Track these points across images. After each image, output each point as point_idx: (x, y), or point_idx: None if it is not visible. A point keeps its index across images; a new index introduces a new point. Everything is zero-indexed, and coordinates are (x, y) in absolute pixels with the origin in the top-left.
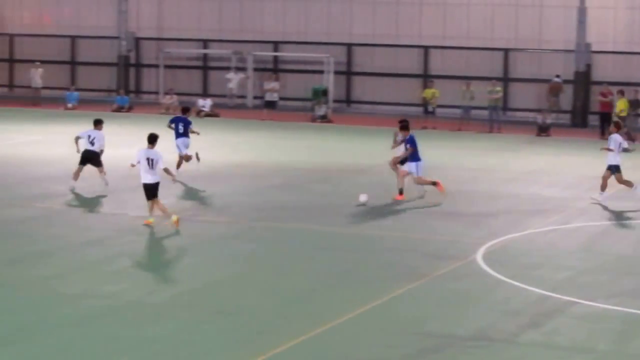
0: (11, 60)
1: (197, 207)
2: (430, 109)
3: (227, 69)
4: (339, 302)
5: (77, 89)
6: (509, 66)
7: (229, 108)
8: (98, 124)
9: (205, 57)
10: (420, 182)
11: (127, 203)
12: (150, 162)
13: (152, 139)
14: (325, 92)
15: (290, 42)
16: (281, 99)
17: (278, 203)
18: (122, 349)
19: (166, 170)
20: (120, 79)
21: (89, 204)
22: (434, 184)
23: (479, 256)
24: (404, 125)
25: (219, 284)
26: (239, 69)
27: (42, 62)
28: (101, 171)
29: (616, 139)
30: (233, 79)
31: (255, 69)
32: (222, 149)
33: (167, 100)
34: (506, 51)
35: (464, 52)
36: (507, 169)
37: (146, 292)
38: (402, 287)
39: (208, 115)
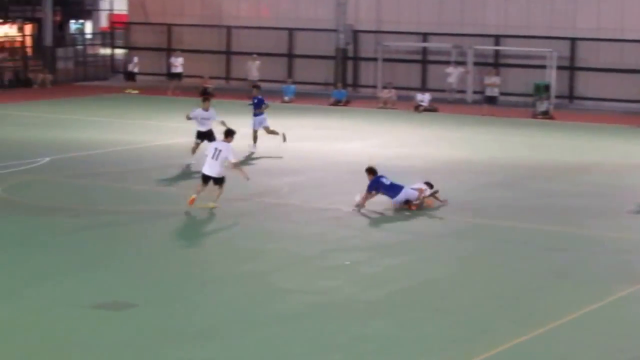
0: (228, 53)
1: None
2: None
3: (447, 62)
4: (558, 303)
5: (294, 82)
6: None
7: (447, 103)
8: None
9: (424, 51)
10: None
11: (346, 196)
12: (216, 154)
13: (228, 134)
14: (547, 88)
15: (512, 36)
16: (501, 94)
17: (496, 201)
18: (334, 346)
19: (236, 166)
20: (338, 72)
21: (302, 198)
22: None
23: None
24: None
25: (435, 282)
26: (459, 63)
27: (259, 54)
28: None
29: None
30: (452, 73)
31: (476, 63)
32: (440, 144)
33: (385, 94)
34: None
35: None
36: None
37: (361, 289)
38: (624, 289)
39: (426, 110)
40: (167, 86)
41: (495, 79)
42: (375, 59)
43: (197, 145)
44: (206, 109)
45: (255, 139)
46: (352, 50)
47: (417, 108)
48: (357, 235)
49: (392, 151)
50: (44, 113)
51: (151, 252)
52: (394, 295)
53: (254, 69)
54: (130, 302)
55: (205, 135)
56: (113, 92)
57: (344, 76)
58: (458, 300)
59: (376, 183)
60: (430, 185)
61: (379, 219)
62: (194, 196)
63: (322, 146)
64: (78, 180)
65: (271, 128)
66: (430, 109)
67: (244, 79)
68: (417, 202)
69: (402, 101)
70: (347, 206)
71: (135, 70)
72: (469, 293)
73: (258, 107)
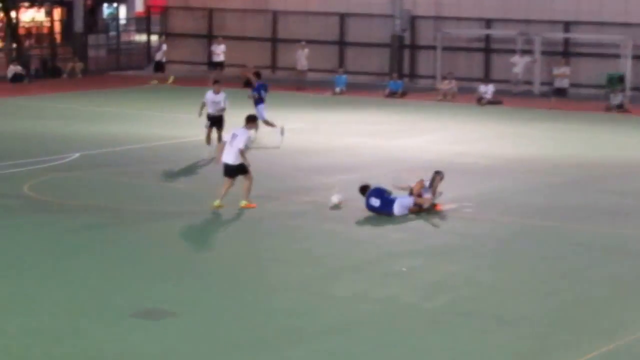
0: (274, 40)
1: (475, 204)
2: None
3: (512, 51)
4: (633, 315)
5: (346, 72)
6: None
7: (513, 95)
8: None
9: (487, 39)
10: None
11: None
12: (232, 139)
13: (249, 120)
14: (621, 79)
15: (583, 23)
16: (572, 85)
17: (562, 202)
18: (393, 359)
19: (241, 153)
20: (394, 61)
21: (354, 197)
22: None
23: None
24: None
25: (498, 290)
26: (525, 52)
27: (308, 42)
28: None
29: None
30: (518, 63)
31: (543, 52)
32: (504, 140)
33: (445, 85)
34: None
35: None
36: None
37: (419, 298)
38: None
39: (490, 102)
40: (208, 76)
41: (564, 70)
42: (434, 47)
43: (209, 131)
44: (217, 92)
45: (272, 125)
46: (409, 38)
47: (480, 101)
48: (414, 239)
49: (452, 148)
50: (73, 105)
51: (189, 256)
52: (454, 305)
53: (302, 57)
54: (168, 311)
55: (215, 121)
56: (148, 83)
57: (400, 66)
58: (522, 310)
59: (367, 206)
60: (438, 175)
61: (436, 221)
62: (217, 202)
63: (376, 142)
64: (108, 178)
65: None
66: (494, 102)
67: (292, 69)
68: (417, 206)
69: (463, 93)
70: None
71: (164, 59)
72: (533, 302)
73: (264, 94)
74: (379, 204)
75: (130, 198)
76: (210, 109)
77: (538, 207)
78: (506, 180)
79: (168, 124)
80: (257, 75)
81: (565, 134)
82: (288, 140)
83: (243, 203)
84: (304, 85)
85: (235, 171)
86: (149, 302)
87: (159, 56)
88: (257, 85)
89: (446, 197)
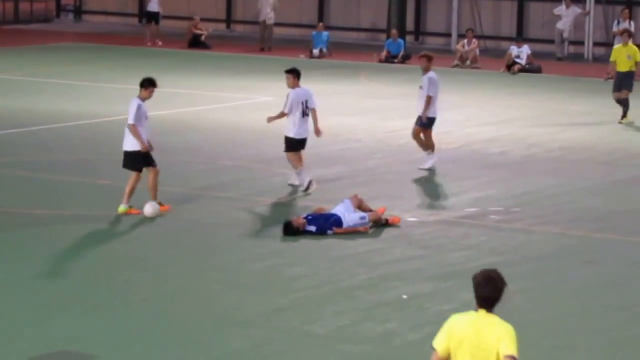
0: None
1: (505, 208)
2: None
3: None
4: None
5: (328, 28)
6: None
7: (556, 60)
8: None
9: None
10: None
11: (406, 198)
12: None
13: (142, 84)
14: None
15: None
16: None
17: (626, 207)
18: None
19: (132, 130)
20: (392, 13)
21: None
22: None
23: None
24: None
25: (532, 324)
26: (573, 0)
27: None
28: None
29: None
30: (564, 16)
31: (598, 1)
32: (543, 120)
33: (462, 46)
34: None
35: None
36: None
37: (428, 335)
38: None
39: (524, 70)
40: (141, 32)
41: (627, 25)
42: None
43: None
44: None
45: None
46: None
47: (511, 67)
48: (419, 256)
49: (472, 132)
50: None
51: (111, 278)
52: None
53: (267, 7)
54: (83, 353)
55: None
56: (61, 41)
57: (402, 20)
58: (564, 353)
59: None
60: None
61: (453, 231)
62: (122, 208)
63: (371, 124)
64: (6, 171)
65: None
66: (530, 69)
67: (255, 23)
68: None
69: (488, 57)
70: (407, 212)
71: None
72: (580, 341)
73: None
74: (315, 229)
75: (27, 198)
76: None
77: (591, 213)
78: (547, 176)
79: (85, 97)
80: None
81: (628, 113)
82: (246, 121)
83: (125, 208)
84: (270, 45)
85: (133, 160)
86: (57, 342)
87: (151, 5)
88: None
89: (467, 199)
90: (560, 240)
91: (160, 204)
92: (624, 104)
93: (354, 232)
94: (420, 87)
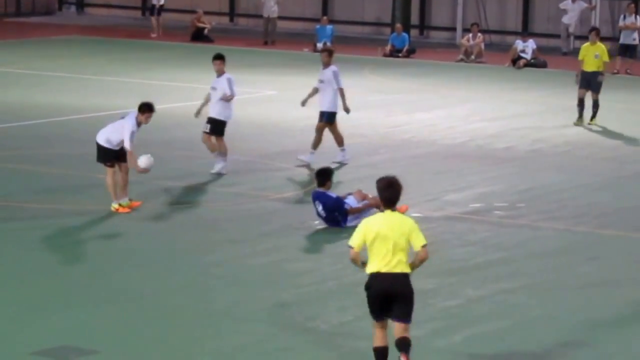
0: None
1: (510, 204)
2: None
3: None
4: None
5: (332, 21)
6: None
7: (562, 54)
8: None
9: None
10: None
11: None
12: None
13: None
14: None
15: None
16: None
17: (636, 203)
18: None
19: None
20: (397, 7)
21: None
22: None
23: None
24: None
25: (537, 323)
26: None
27: None
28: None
29: None
30: (570, 10)
31: None
32: (549, 116)
33: (467, 40)
34: None
35: None
36: None
37: (432, 332)
38: None
39: (529, 64)
40: (144, 25)
41: (633, 19)
42: None
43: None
44: (219, 73)
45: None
46: None
47: (516, 62)
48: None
49: (477, 127)
50: None
51: (108, 274)
52: (476, 344)
53: (271, 1)
54: (83, 348)
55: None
56: (63, 34)
57: (407, 14)
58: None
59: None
60: None
61: (458, 227)
62: (115, 205)
63: (374, 119)
64: (6, 165)
65: None
66: (535, 64)
67: (259, 16)
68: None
69: (493, 51)
70: (412, 207)
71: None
72: (595, 338)
73: None
74: (325, 214)
75: (27, 191)
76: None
77: (596, 209)
78: (552, 171)
79: (87, 90)
80: None
81: (636, 107)
82: (249, 115)
83: (115, 205)
84: (274, 38)
85: (106, 155)
86: (57, 337)
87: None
88: None
89: (471, 195)
90: (565, 236)
91: (130, 200)
92: (594, 105)
93: (367, 210)
94: (321, 82)
